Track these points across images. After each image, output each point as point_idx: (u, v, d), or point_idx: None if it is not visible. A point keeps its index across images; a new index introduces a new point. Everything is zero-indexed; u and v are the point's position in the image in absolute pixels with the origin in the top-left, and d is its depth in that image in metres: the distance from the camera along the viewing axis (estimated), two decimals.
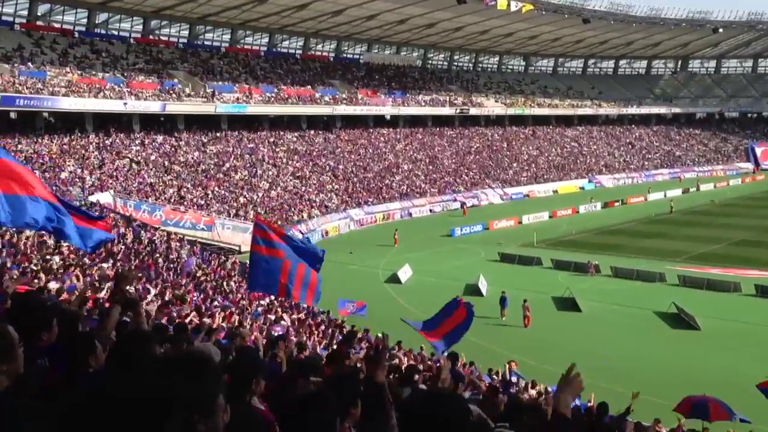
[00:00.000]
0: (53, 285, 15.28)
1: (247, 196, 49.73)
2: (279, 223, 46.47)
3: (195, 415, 1.85)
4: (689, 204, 62.67)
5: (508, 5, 66.57)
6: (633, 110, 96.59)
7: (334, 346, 15.10)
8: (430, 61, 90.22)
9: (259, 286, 12.95)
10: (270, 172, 55.36)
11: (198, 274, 27.35)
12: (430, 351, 18.76)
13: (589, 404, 15.93)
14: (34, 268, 18.04)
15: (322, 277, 11.27)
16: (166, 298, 19.37)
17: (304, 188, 55.23)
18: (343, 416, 3.31)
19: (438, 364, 16.57)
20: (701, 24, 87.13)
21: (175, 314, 15.55)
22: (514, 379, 17.12)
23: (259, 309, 22.03)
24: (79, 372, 3.54)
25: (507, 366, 18.16)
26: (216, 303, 21.82)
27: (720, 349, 25.19)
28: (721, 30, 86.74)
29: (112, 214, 35.07)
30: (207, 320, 16.74)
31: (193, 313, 17.58)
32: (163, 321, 12.57)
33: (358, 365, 9.32)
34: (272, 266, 11.94)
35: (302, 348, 13.58)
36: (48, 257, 20.40)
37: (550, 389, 17.13)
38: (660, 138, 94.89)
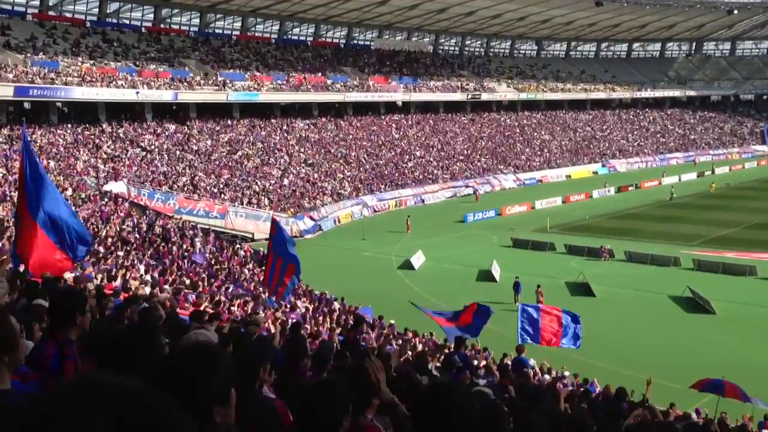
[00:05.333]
0: (69, 275, 15.39)
1: (259, 183, 49.84)
2: (291, 210, 46.68)
3: (213, 405, 1.85)
4: (704, 188, 62.15)
5: None
6: (647, 94, 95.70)
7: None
8: (441, 47, 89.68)
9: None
10: (282, 160, 55.43)
11: (212, 262, 27.48)
12: (443, 337, 18.78)
13: (597, 388, 15.89)
14: None
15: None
16: (179, 286, 19.49)
17: (316, 175, 55.28)
18: (363, 407, 3.31)
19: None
20: (715, 5, 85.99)
21: (189, 303, 15.66)
22: (531, 362, 16.97)
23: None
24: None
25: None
26: (231, 290, 21.95)
27: (735, 333, 25.08)
28: (735, 11, 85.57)
29: (126, 204, 35.34)
30: (222, 308, 16.86)
31: (207, 301, 17.69)
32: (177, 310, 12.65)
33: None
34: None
35: (316, 336, 13.65)
36: None
37: (564, 374, 17.12)
38: (674, 121, 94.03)
